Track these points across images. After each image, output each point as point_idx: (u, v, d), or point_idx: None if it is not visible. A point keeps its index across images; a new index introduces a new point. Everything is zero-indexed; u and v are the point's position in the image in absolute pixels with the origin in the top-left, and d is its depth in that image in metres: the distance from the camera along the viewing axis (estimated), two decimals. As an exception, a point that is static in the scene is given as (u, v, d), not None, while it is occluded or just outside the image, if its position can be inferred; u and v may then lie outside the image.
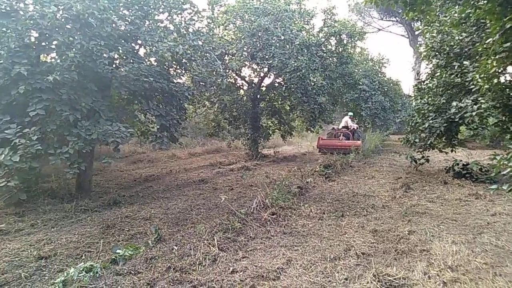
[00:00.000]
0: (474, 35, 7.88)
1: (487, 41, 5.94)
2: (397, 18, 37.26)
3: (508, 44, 5.49)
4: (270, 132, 16.59)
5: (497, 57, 5.66)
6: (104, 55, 6.29)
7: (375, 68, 27.08)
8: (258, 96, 15.33)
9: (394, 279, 3.56)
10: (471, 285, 3.59)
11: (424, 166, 11.37)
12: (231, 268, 4.03)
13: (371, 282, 3.48)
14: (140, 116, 9.29)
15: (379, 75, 27.03)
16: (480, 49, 6.11)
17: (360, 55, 27.10)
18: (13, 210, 6.33)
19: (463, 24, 8.07)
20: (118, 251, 4.40)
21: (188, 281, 3.72)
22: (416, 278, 3.73)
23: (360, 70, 24.40)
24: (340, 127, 18.37)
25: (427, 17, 7.09)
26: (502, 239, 5.03)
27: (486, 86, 6.64)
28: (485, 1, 5.96)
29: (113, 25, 6.58)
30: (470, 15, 6.75)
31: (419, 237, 5.10)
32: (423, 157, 10.80)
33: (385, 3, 6.14)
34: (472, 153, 15.60)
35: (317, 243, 4.88)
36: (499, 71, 6.41)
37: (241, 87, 16.17)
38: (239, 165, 12.73)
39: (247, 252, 4.57)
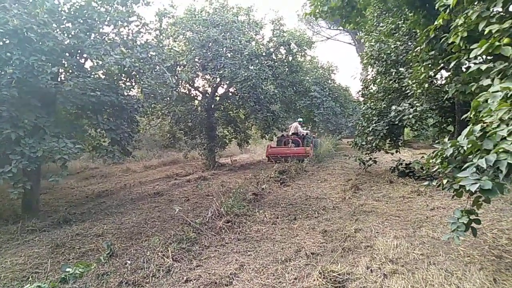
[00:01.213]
0: (407, 44, 8.55)
1: (415, 50, 6.52)
2: (353, 27, 39.03)
3: (433, 52, 6.07)
4: (227, 141, 16.73)
5: (424, 64, 6.23)
6: (47, 70, 6.12)
7: (325, 75, 28.17)
8: (213, 106, 15.45)
9: (339, 274, 3.80)
10: (408, 275, 3.90)
11: (372, 167, 11.98)
12: (185, 278, 4.09)
13: (317, 279, 3.69)
14: (91, 130, 9.07)
15: (329, 81, 28.17)
16: (409, 57, 6.66)
17: (310, 63, 28.12)
18: (-49, 236, 5.96)
19: (396, 34, 8.75)
20: (67, 269, 4.31)
21: (141, 293, 3.73)
22: (360, 272, 4.00)
23: (311, 78, 25.31)
24: (290, 133, 17.71)
25: (365, 27, 7.62)
26: (438, 231, 5.47)
27: (419, 91, 7.25)
28: (412, 13, 6.56)
29: (55, 39, 6.41)
30: (400, 26, 7.37)
31: (364, 234, 5.43)
32: (370, 159, 11.40)
33: (324, 16, 6.56)
34: (416, 152, 16.62)
35: (270, 246, 5.06)
36: (430, 76, 7.05)
37: (195, 97, 16.20)
38: (196, 176, 12.71)
39: (201, 260, 4.65)
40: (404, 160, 10.75)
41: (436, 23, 4.52)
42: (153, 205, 8.31)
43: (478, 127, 3.37)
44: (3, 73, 5.90)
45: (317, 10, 6.70)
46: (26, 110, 6.43)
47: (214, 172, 13.52)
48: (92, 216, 7.46)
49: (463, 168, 3.45)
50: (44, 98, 6.90)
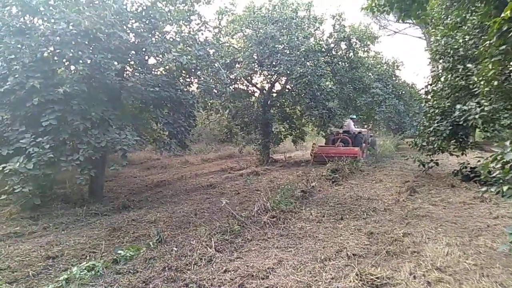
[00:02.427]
0: (477, 38, 7.88)
1: (484, 44, 6.00)
2: (413, 20, 36.76)
3: (504, 47, 5.53)
4: (282, 137, 16.74)
5: (493, 60, 5.71)
6: (112, 67, 6.64)
7: (388, 71, 26.90)
8: (269, 102, 15.57)
9: (377, 278, 3.68)
10: (454, 285, 3.67)
11: (434, 170, 11.28)
12: (224, 268, 4.23)
13: (354, 281, 3.62)
14: (153, 124, 9.67)
15: (393, 78, 26.85)
16: (476, 52, 6.16)
17: (374, 58, 27.03)
18: (28, 214, 6.73)
19: (462, 27, 8.09)
20: (119, 251, 4.68)
21: (181, 279, 3.94)
22: (401, 278, 3.83)
23: (374, 74, 24.32)
24: (341, 131, 16.53)
25: (427, 20, 7.16)
26: (498, 242, 5.03)
27: (487, 89, 6.67)
28: (481, 5, 6.04)
29: (121, 38, 6.92)
30: (467, 19, 6.81)
31: (413, 239, 5.17)
32: (432, 160, 10.73)
33: (381, 10, 6.29)
34: (486, 156, 15.29)
35: (311, 244, 5.03)
36: (501, 73, 6.44)
37: (253, 93, 16.45)
38: (249, 170, 12.94)
39: (242, 253, 4.77)
40: (469, 163, 9.97)
41: (503, 14, 4.12)
42: (205, 197, 8.64)
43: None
44: (74, 70, 6.53)
45: (374, 4, 6.43)
46: (94, 104, 7.05)
47: (267, 168, 13.66)
48: (148, 204, 7.97)
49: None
50: (110, 93, 7.50)
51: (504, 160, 3.56)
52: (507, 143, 3.57)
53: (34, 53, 6.29)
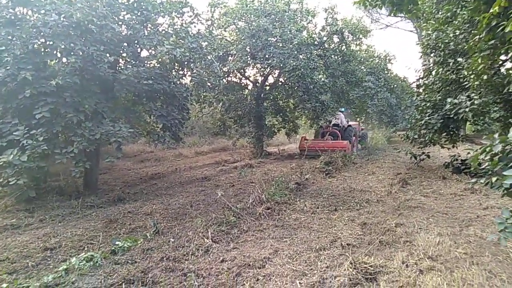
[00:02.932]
0: (468, 32, 7.99)
1: (473, 39, 6.10)
2: (405, 15, 36.80)
3: (493, 41, 5.64)
4: (275, 130, 16.80)
5: (482, 54, 5.81)
6: (104, 59, 6.60)
7: (380, 65, 27.03)
8: (262, 95, 15.58)
9: (370, 266, 3.78)
10: (445, 273, 3.78)
11: (426, 162, 11.45)
12: (221, 258, 4.31)
13: (348, 269, 3.71)
14: (146, 116, 9.63)
15: (385, 71, 26.99)
16: (466, 47, 6.26)
17: (366, 52, 27.11)
18: (24, 207, 6.72)
19: (453, 22, 8.19)
20: (117, 243, 4.73)
21: (179, 269, 4.01)
22: (394, 266, 3.94)
23: (366, 68, 24.41)
24: (331, 124, 16.60)
25: (419, 15, 7.23)
26: (487, 231, 5.18)
27: (476, 83, 6.78)
28: (471, 0, 6.12)
29: (113, 30, 6.88)
30: (457, 13, 6.89)
31: (405, 229, 5.29)
32: (423, 153, 10.88)
33: (373, 4, 6.34)
34: (477, 148, 15.53)
35: (306, 235, 5.12)
36: (491, 67, 6.56)
37: (246, 86, 16.44)
38: (243, 163, 12.98)
39: (238, 243, 4.85)
40: (460, 156, 10.15)
41: (491, 10, 4.21)
42: (200, 189, 8.68)
43: (529, 122, 3.15)
44: (66, 62, 6.48)
45: (366, -1, 6.49)
46: (87, 96, 7.01)
47: (261, 161, 13.73)
48: (144, 196, 7.99)
49: (509, 165, 3.26)
50: (103, 85, 7.46)
51: (493, 152, 3.66)
52: (496, 135, 3.66)
53: (25, 44, 6.23)
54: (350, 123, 17.82)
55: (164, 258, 4.26)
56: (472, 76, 6.60)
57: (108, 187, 8.98)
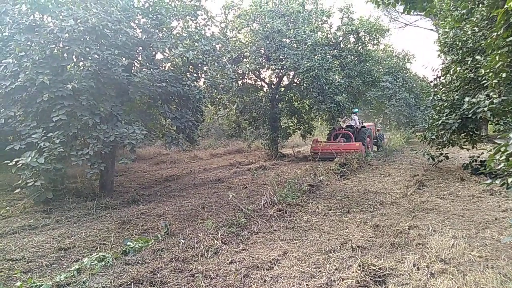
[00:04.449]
0: (485, 29, 7.77)
1: (491, 36, 5.92)
2: (419, 12, 35.97)
3: (511, 38, 5.46)
4: (290, 132, 16.73)
5: (500, 51, 5.64)
6: (119, 63, 6.73)
7: (399, 64, 26.59)
8: (277, 96, 15.57)
9: (379, 269, 3.71)
10: (458, 276, 3.68)
11: (444, 163, 11.18)
12: (230, 259, 4.32)
13: (356, 272, 3.65)
14: (161, 119, 9.76)
15: (404, 71, 26.54)
16: (483, 44, 6.08)
17: (384, 51, 26.73)
18: (41, 208, 6.91)
19: (470, 19, 7.98)
20: (128, 243, 4.80)
21: (188, 270, 4.03)
22: (405, 269, 3.86)
23: (384, 68, 24.06)
24: (344, 126, 16.55)
25: (433, 12, 7.06)
26: (505, 234, 5.02)
27: (495, 81, 6.58)
28: (488, -4, 5.96)
29: (128, 34, 7.01)
30: (473, 10, 6.71)
31: (419, 231, 5.17)
32: (441, 154, 10.63)
33: (386, 3, 6.24)
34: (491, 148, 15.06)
35: (317, 237, 5.08)
36: (507, 65, 6.35)
37: (261, 88, 16.45)
38: (257, 165, 13.00)
39: (248, 245, 4.85)
40: (479, 157, 9.87)
41: (506, 6, 4.08)
42: (213, 191, 8.74)
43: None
44: (82, 66, 6.65)
45: (378, -3, 6.39)
46: (102, 99, 7.17)
47: (275, 162, 13.71)
48: (157, 198, 8.10)
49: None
50: (118, 89, 7.61)
51: (508, 152, 3.53)
52: (511, 135, 3.54)
53: (43, 50, 6.41)
54: (365, 124, 17.55)
55: (174, 259, 4.29)
56: (490, 74, 6.40)
57: (123, 189, 9.14)
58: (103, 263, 4.24)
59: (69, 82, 6.49)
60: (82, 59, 6.77)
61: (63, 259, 4.58)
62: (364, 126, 16.55)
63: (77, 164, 6.73)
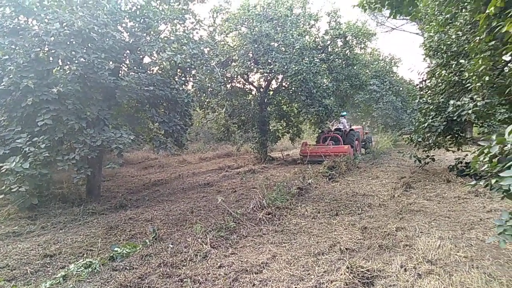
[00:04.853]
0: (468, 34, 7.93)
1: (474, 40, 6.05)
2: (405, 17, 36.51)
3: (493, 42, 5.59)
4: (279, 135, 16.79)
5: (482, 55, 5.76)
6: (105, 66, 6.67)
7: (386, 68, 26.97)
8: (266, 100, 15.60)
9: (367, 270, 3.74)
10: (444, 277, 3.73)
11: (431, 165, 11.35)
12: (219, 263, 4.30)
13: (344, 274, 3.67)
14: (149, 123, 9.69)
15: (390, 74, 26.92)
16: (467, 48, 6.21)
17: (371, 55, 27.08)
18: (26, 214, 6.78)
19: (454, 24, 8.14)
20: (116, 249, 4.74)
21: (176, 275, 4.00)
22: (392, 270, 3.90)
23: (371, 71, 24.37)
24: (333, 129, 16.70)
25: (418, 17, 7.20)
26: (489, 234, 5.10)
27: (478, 84, 6.71)
28: (471, 1, 6.09)
29: (114, 38, 6.96)
30: (457, 15, 6.85)
31: (406, 233, 5.23)
32: (428, 156, 10.78)
33: (372, 7, 6.33)
34: (475, 150, 15.33)
35: (305, 240, 5.09)
36: (494, 68, 6.49)
37: (250, 91, 16.48)
38: (247, 169, 12.99)
39: (237, 249, 4.83)
40: (464, 158, 10.04)
41: (487, 11, 4.18)
42: (201, 195, 8.69)
43: (524, 123, 3.10)
44: (68, 70, 6.57)
45: (365, 2, 6.48)
46: (89, 103, 7.09)
47: (264, 166, 13.72)
48: (146, 203, 8.02)
49: (505, 167, 3.21)
50: (105, 92, 7.54)
51: (491, 154, 3.61)
52: (493, 137, 3.61)
53: (28, 53, 6.33)
54: (354, 127, 17.71)
55: (162, 264, 4.26)
56: (473, 78, 6.53)
57: (110, 194, 9.03)
58: (90, 269, 4.18)
59: (54, 86, 6.41)
60: (68, 62, 6.69)
61: (48, 266, 4.49)
62: (352, 129, 16.70)
63: (63, 169, 6.62)
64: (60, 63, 6.93)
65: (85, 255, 4.81)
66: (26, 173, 6.13)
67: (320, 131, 15.82)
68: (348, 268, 3.74)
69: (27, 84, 6.09)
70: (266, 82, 15.69)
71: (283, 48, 13.49)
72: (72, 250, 5.03)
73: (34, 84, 6.19)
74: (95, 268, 4.20)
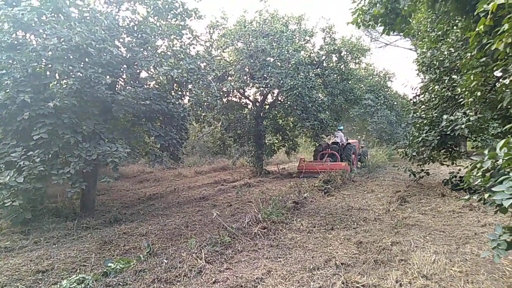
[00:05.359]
0: (460, 50, 8.10)
1: (466, 56, 6.17)
2: (398, 33, 37.10)
3: (484, 59, 5.71)
4: (275, 149, 16.85)
5: (474, 71, 5.88)
6: (102, 81, 6.72)
7: (380, 82, 27.32)
8: (261, 114, 15.69)
9: (363, 286, 3.73)
10: (439, 292, 3.73)
11: (426, 180, 11.42)
12: (214, 279, 4.27)
13: (340, 289, 3.67)
14: (145, 137, 9.70)
15: (385, 89, 27.25)
16: (459, 64, 6.33)
17: (365, 70, 27.45)
18: (19, 229, 6.71)
19: (446, 40, 8.31)
20: (109, 264, 4.69)
21: (170, 291, 3.96)
22: (387, 285, 3.89)
23: (365, 86, 24.68)
24: (330, 142, 16.67)
25: (411, 33, 7.36)
26: (484, 249, 5.11)
27: (470, 99, 6.82)
28: (462, 18, 6.24)
29: (112, 53, 7.03)
30: (448, 32, 7.00)
31: (401, 247, 5.24)
32: (422, 170, 10.84)
33: (366, 25, 6.46)
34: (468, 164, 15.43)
35: (301, 254, 5.07)
36: (486, 83, 6.61)
37: (246, 105, 16.58)
38: (242, 182, 12.97)
39: (232, 264, 4.80)
40: (458, 172, 10.11)
41: (477, 29, 4.29)
42: (197, 209, 8.65)
43: (515, 139, 3.16)
44: (65, 84, 6.60)
45: (359, 19, 6.61)
46: (85, 117, 7.11)
47: (260, 180, 13.71)
48: (140, 217, 7.97)
49: (498, 181, 3.25)
50: (101, 107, 7.57)
51: (484, 168, 3.65)
52: (486, 151, 3.67)
53: (25, 68, 6.37)
54: (350, 141, 17.83)
55: (156, 280, 4.22)
56: (466, 93, 6.64)
57: (105, 208, 8.96)
58: (82, 285, 4.12)
59: (51, 100, 6.42)
60: (65, 77, 6.73)
61: (40, 282, 4.43)
62: (349, 143, 16.84)
63: (57, 183, 6.59)
64: (57, 78, 6.98)
65: (78, 271, 4.76)
66: (20, 187, 6.09)
67: (317, 144, 15.83)
68: (343, 283, 3.74)
69: (24, 99, 6.11)
70: (262, 97, 15.81)
71: (278, 63, 13.66)
72: (65, 266, 4.98)
73: (30, 99, 6.21)
74: (88, 284, 4.14)
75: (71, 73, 6.59)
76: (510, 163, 3.23)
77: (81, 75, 6.78)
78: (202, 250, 5.08)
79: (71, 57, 6.70)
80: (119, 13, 8.39)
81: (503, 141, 3.26)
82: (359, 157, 18.06)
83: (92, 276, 4.34)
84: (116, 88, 8.13)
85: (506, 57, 4.27)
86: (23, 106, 6.32)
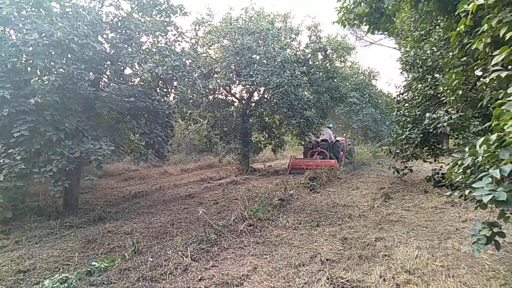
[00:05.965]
0: (442, 49, 8.25)
1: (448, 55, 6.30)
2: (383, 32, 37.64)
3: (465, 58, 5.84)
4: (261, 147, 16.87)
5: (455, 70, 6.00)
6: (85, 77, 6.60)
7: (365, 81, 27.65)
8: (248, 111, 15.68)
9: (347, 281, 3.79)
10: (422, 286, 3.81)
11: (409, 176, 11.61)
12: (199, 276, 4.26)
13: (325, 285, 3.71)
14: (130, 134, 9.59)
15: (370, 87, 27.62)
16: (441, 63, 6.45)
17: (350, 68, 27.74)
18: (0, 228, 6.55)
19: (428, 39, 8.46)
20: (93, 263, 4.63)
21: (156, 289, 3.94)
22: (371, 280, 3.95)
23: (351, 84, 24.95)
24: (319, 139, 16.74)
25: (395, 33, 7.46)
26: (465, 243, 5.24)
27: (452, 98, 6.97)
28: (444, 18, 6.36)
29: (95, 49, 6.91)
30: (431, 31, 7.12)
31: (385, 243, 5.32)
32: (406, 167, 11.02)
33: (351, 24, 6.53)
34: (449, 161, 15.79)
35: (286, 251, 5.11)
36: (467, 82, 6.76)
37: (232, 103, 16.54)
38: (229, 180, 12.97)
39: (218, 261, 4.80)
40: (440, 169, 10.32)
41: (458, 29, 4.38)
42: (183, 207, 8.60)
43: (494, 136, 3.24)
44: (46, 81, 6.46)
45: (344, 18, 6.68)
46: (67, 114, 6.98)
47: (246, 177, 13.71)
48: (125, 215, 7.88)
49: (478, 178, 3.33)
50: (84, 103, 7.44)
51: (465, 165, 3.74)
52: (466, 149, 3.75)
53: (4, 63, 6.20)
54: (338, 138, 18.02)
55: (141, 278, 4.19)
56: (448, 92, 6.79)
57: (89, 206, 8.83)
58: (66, 284, 4.05)
59: (32, 97, 6.28)
60: (47, 73, 6.58)
61: (22, 282, 4.34)
62: (338, 140, 17.07)
63: (39, 181, 6.46)
64: (39, 74, 6.82)
65: (61, 270, 4.68)
66: (0, 186, 5.95)
67: (308, 141, 15.91)
68: (328, 279, 3.78)
69: (3, 95, 5.95)
70: (248, 94, 15.80)
71: (264, 61, 13.68)
72: (47, 265, 4.88)
73: (10, 95, 6.05)
74: (72, 284, 4.07)
75: (52, 69, 6.45)
76: (489, 160, 3.31)
77: (63, 71, 6.64)
78: (188, 248, 5.07)
79: (52, 52, 6.57)
80: (103, 8, 8.25)
81: (482, 138, 3.33)
82: (346, 154, 18.27)
83: (75, 275, 4.28)
84: (100, 85, 7.99)
85: (486, 56, 4.37)
86: (2, 103, 6.16)
